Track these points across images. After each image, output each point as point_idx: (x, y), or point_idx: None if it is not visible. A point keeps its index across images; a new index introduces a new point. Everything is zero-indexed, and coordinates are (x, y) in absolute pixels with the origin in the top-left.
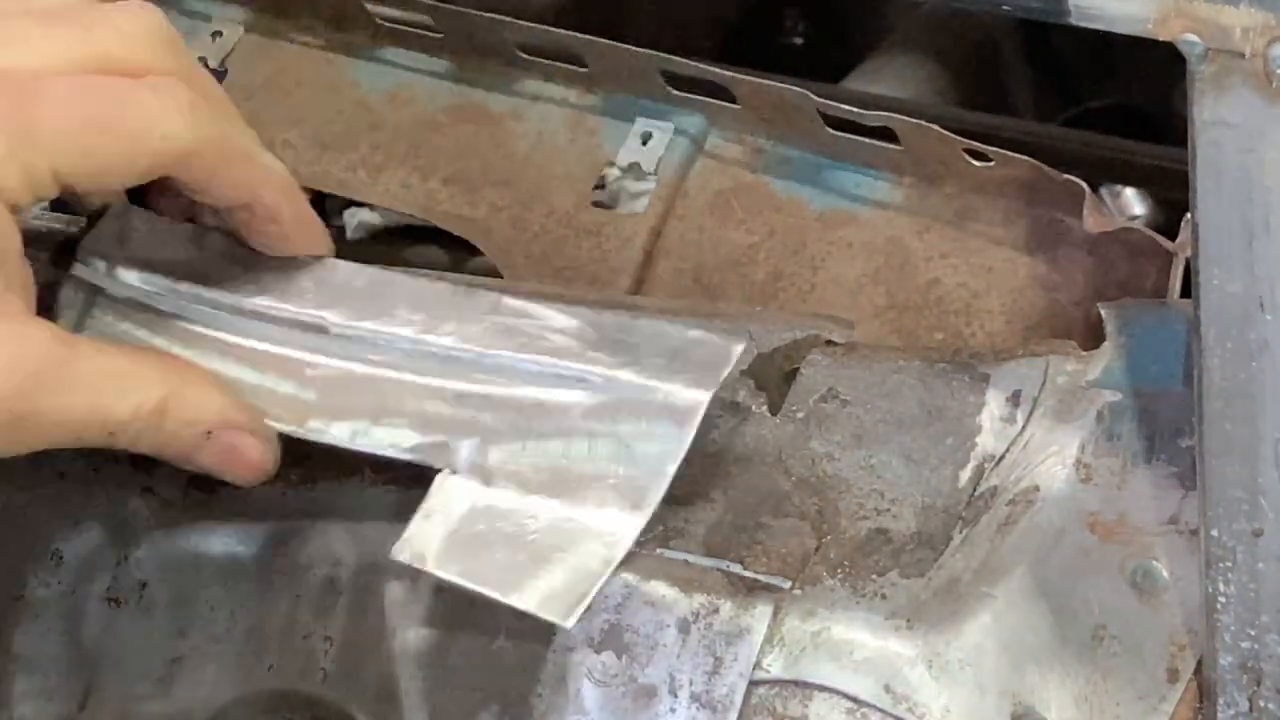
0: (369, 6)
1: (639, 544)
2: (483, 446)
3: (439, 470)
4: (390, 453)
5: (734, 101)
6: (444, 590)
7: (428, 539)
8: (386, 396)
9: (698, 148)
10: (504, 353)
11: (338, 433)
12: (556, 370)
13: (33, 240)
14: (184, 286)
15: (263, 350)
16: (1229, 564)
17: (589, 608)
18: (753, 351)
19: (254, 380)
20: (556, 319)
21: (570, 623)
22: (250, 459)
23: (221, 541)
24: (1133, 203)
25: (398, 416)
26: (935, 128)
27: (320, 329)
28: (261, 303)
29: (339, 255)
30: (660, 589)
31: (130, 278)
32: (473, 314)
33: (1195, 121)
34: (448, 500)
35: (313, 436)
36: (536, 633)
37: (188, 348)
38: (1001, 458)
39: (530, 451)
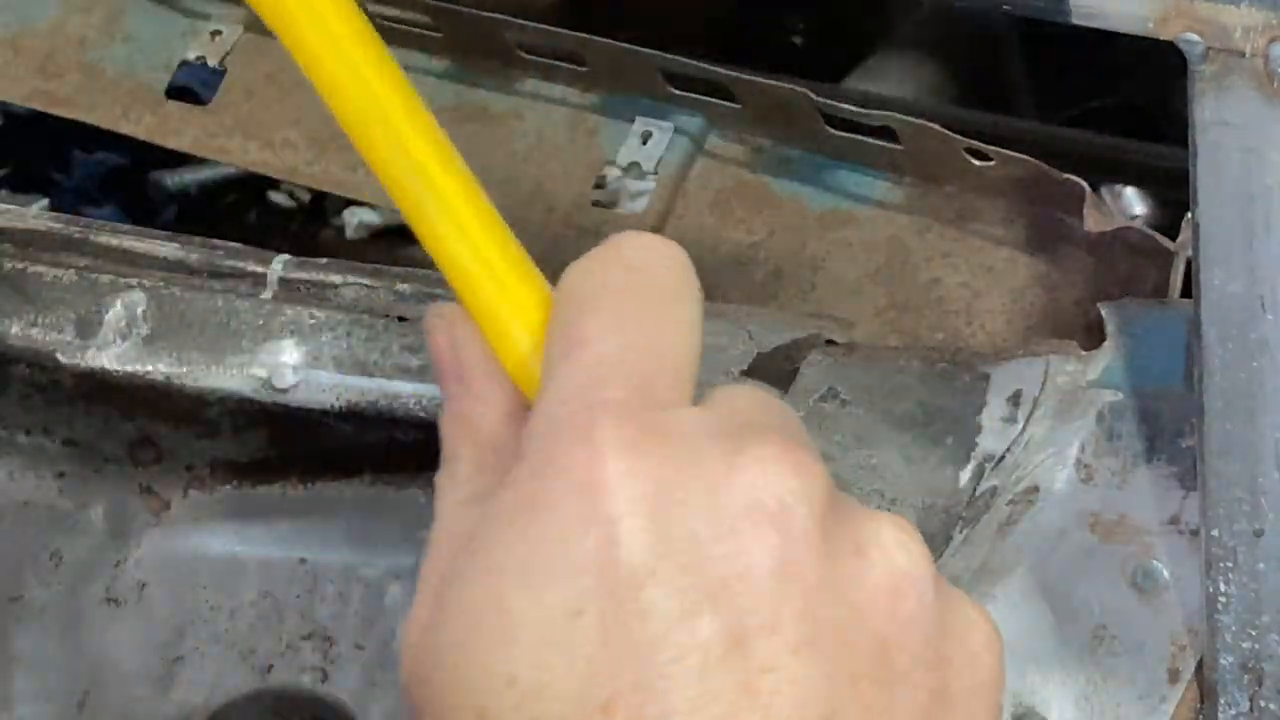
0: (369, 6)
1: None
2: None
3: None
4: None
5: (734, 101)
6: None
7: None
8: None
9: (698, 147)
10: None
11: None
12: None
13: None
14: None
15: None
16: (1230, 564)
17: None
18: (753, 351)
19: None
20: None
21: None
22: None
23: (221, 541)
24: (1133, 202)
25: None
26: (936, 127)
27: None
28: None
29: (338, 254)
30: None
31: None
32: None
33: (1195, 121)
34: None
35: None
36: None
37: None
38: (1002, 458)
39: None
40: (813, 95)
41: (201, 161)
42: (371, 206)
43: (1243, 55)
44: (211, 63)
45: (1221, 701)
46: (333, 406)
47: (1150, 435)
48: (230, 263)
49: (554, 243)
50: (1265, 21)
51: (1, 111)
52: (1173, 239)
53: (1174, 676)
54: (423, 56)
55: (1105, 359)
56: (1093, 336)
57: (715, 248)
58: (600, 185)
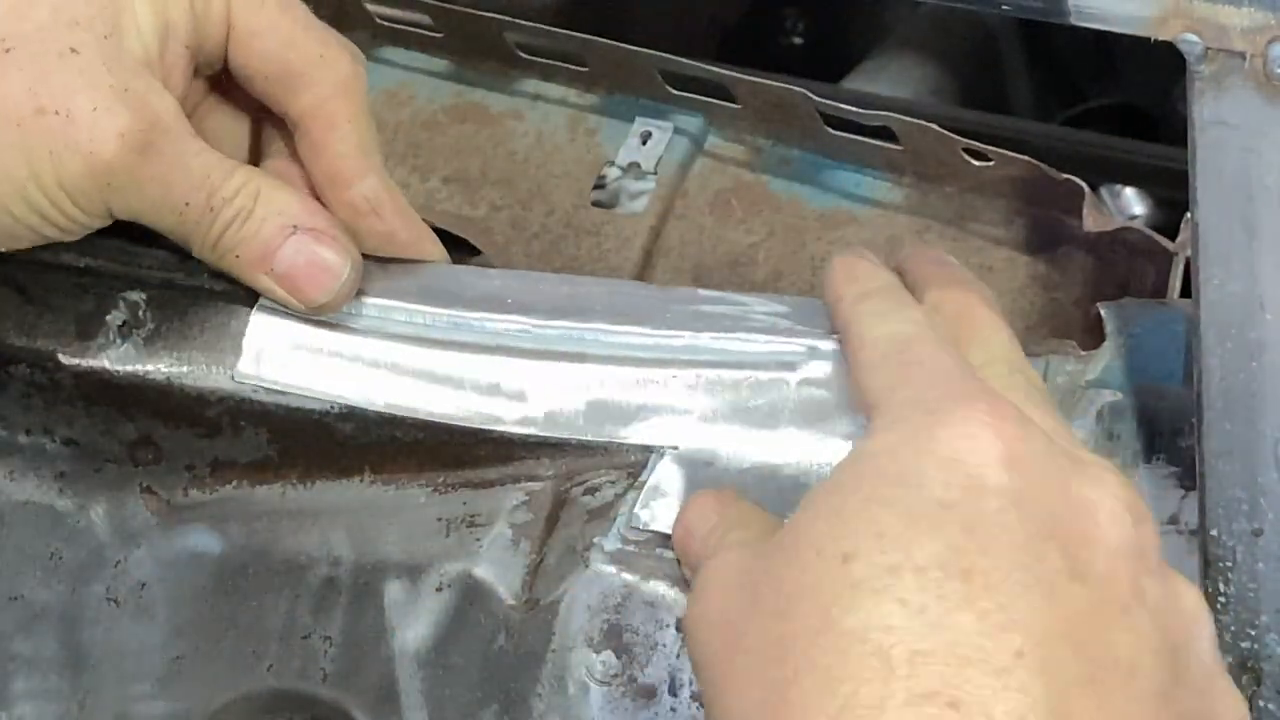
0: (369, 6)
1: (638, 545)
2: (702, 425)
3: (659, 450)
4: (611, 439)
5: (734, 101)
6: (443, 590)
7: (660, 511)
8: (604, 389)
9: (697, 147)
10: (717, 335)
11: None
12: (769, 346)
13: None
14: (370, 300)
15: (468, 358)
16: (1229, 564)
17: (590, 608)
18: None
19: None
20: (755, 302)
21: None
22: (328, 263)
23: (221, 541)
24: (1133, 203)
25: (615, 407)
26: (935, 127)
27: (522, 331)
28: (454, 313)
29: None
30: (660, 589)
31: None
32: (674, 305)
33: (1195, 121)
34: (673, 476)
35: (528, 430)
36: (536, 633)
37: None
38: None
39: (749, 421)
40: (812, 95)
41: None
42: None
43: (1242, 56)
44: None
45: None
46: (333, 406)
47: (1149, 435)
48: None
49: (554, 243)
50: (1265, 22)
51: None
52: (1173, 239)
53: None
54: (422, 56)
55: (1104, 359)
56: (1092, 336)
57: (715, 248)
58: (600, 185)
